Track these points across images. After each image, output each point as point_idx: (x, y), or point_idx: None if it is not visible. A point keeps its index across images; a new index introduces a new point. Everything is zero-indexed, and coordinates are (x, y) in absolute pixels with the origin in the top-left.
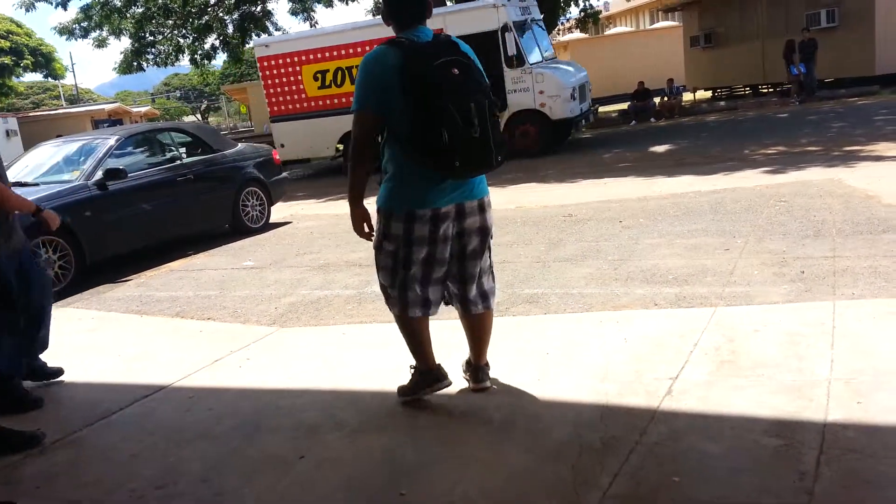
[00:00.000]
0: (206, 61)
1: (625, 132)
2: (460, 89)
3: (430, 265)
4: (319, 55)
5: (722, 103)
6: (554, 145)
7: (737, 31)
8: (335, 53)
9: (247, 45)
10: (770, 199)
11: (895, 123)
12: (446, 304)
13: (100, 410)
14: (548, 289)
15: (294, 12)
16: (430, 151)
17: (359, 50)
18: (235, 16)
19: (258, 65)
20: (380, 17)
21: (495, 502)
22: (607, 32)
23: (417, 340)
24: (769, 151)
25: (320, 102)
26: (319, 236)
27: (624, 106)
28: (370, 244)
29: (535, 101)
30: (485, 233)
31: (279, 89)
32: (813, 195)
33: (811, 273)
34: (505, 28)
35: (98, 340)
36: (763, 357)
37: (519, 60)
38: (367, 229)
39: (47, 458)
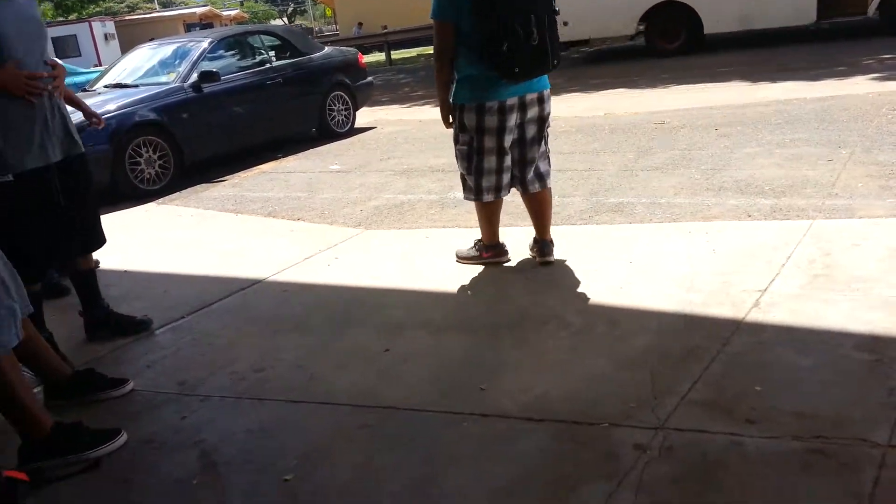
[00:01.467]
0: None
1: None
2: (520, 4)
3: (500, 152)
4: None
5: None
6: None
7: None
8: None
9: None
10: (882, 108)
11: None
12: (511, 187)
13: (201, 300)
14: (634, 198)
15: None
16: (495, 59)
17: None
18: None
19: None
20: None
21: (572, 402)
22: None
23: (489, 221)
24: (884, 56)
25: None
26: (403, 141)
27: None
28: (453, 150)
29: None
30: (543, 122)
31: None
32: None
33: None
34: None
35: (197, 236)
36: (860, 272)
37: None
38: (451, 120)
39: (155, 342)
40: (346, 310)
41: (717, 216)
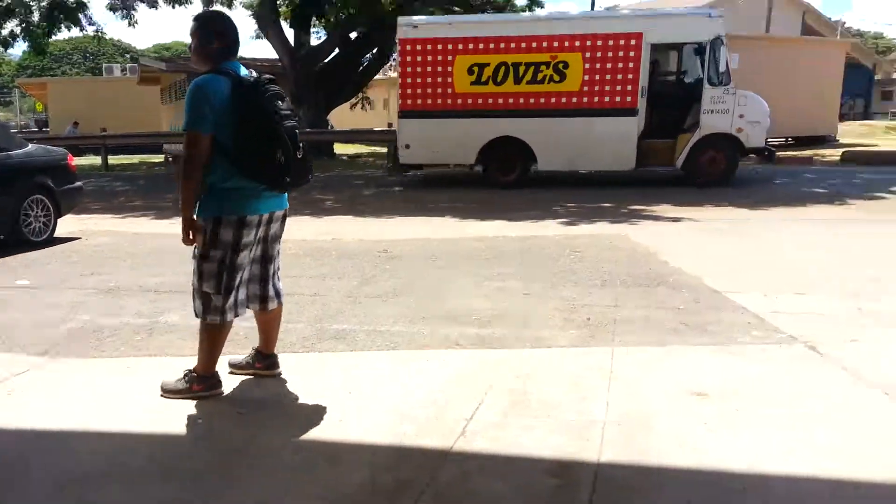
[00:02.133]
0: (1, 48)
1: (444, 174)
2: (287, 117)
3: (248, 269)
4: (482, 45)
5: None
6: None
7: None
8: (502, 46)
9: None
10: (567, 249)
11: (672, 186)
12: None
13: None
14: (356, 325)
15: (112, 8)
16: (265, 169)
17: (533, 45)
18: (44, 2)
19: (398, 47)
20: (566, 10)
21: None
22: None
23: (217, 347)
24: (569, 204)
25: (470, 101)
26: (112, 256)
27: None
28: (171, 268)
29: (731, 125)
30: (279, 238)
31: (419, 80)
32: (603, 247)
33: (595, 320)
34: (717, 41)
35: None
36: (550, 398)
37: (725, 78)
38: (192, 237)
39: None
40: (18, 461)
41: (431, 344)
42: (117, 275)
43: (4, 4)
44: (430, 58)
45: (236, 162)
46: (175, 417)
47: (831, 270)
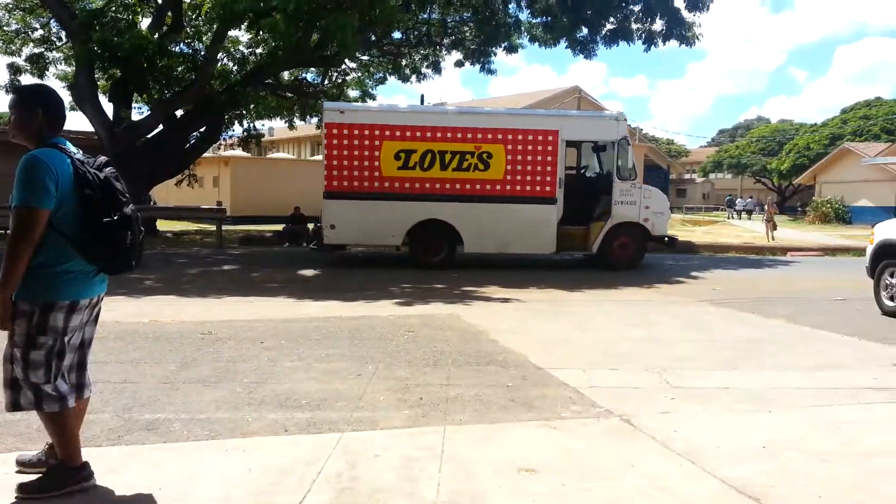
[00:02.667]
0: None
1: (278, 253)
2: (129, 199)
3: (75, 353)
4: (409, 133)
5: None
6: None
7: None
8: (428, 135)
9: None
10: (401, 329)
11: (508, 268)
12: None
13: None
14: (172, 413)
15: None
16: (114, 253)
17: (458, 136)
18: None
19: (324, 130)
20: (494, 106)
21: None
22: (269, 155)
23: (72, 433)
24: (405, 284)
25: (397, 185)
26: None
27: (279, 227)
28: None
29: (639, 216)
30: (96, 323)
31: (345, 162)
32: (435, 327)
33: (428, 399)
34: (623, 140)
35: None
36: (380, 483)
37: (631, 174)
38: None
39: None
40: None
41: (256, 431)
42: None
43: None
44: (356, 142)
45: (81, 245)
46: None
47: (640, 347)
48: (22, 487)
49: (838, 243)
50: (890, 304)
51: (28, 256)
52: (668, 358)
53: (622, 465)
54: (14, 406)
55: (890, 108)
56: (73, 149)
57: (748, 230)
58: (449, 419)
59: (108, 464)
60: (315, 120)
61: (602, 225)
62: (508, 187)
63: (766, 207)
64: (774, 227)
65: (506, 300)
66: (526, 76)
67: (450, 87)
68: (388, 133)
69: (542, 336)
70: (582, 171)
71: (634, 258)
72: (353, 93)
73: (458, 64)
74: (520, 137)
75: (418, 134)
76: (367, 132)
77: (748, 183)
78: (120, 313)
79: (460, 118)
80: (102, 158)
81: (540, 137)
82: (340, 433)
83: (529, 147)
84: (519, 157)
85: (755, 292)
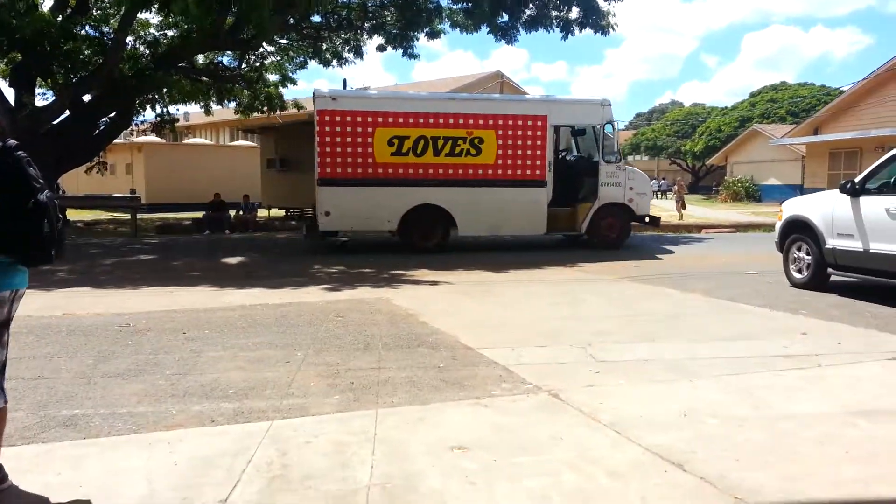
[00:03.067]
0: None
1: (197, 241)
2: (44, 186)
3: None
4: (401, 120)
5: (293, 222)
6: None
7: (308, 160)
8: (420, 121)
9: None
10: (330, 314)
11: (430, 255)
12: None
13: None
14: (91, 409)
15: None
16: (31, 243)
17: (450, 122)
18: None
19: (316, 117)
20: (487, 91)
21: None
22: (186, 141)
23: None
24: (332, 270)
25: (391, 171)
26: None
27: (198, 215)
28: None
29: (624, 196)
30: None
31: (338, 149)
32: (365, 311)
33: (359, 383)
34: (608, 125)
35: None
36: (312, 468)
37: (616, 156)
38: None
39: None
40: None
41: (181, 424)
42: None
43: None
44: (349, 129)
45: None
46: None
47: (565, 324)
48: None
49: (749, 220)
50: (798, 276)
51: None
52: (592, 333)
53: (551, 438)
54: None
55: (794, 91)
56: None
57: (663, 209)
58: (381, 402)
59: (23, 463)
60: (232, 105)
61: (589, 206)
62: (500, 171)
63: (675, 188)
64: (684, 206)
65: (434, 283)
66: (449, 61)
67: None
68: (380, 119)
69: (471, 317)
70: (569, 155)
71: (621, 237)
72: (272, 77)
73: (381, 48)
74: (510, 123)
75: (411, 120)
76: (359, 119)
77: (664, 164)
78: (31, 307)
79: (452, 104)
80: (12, 142)
81: (529, 122)
82: (270, 421)
83: (519, 132)
84: (509, 142)
85: (673, 268)
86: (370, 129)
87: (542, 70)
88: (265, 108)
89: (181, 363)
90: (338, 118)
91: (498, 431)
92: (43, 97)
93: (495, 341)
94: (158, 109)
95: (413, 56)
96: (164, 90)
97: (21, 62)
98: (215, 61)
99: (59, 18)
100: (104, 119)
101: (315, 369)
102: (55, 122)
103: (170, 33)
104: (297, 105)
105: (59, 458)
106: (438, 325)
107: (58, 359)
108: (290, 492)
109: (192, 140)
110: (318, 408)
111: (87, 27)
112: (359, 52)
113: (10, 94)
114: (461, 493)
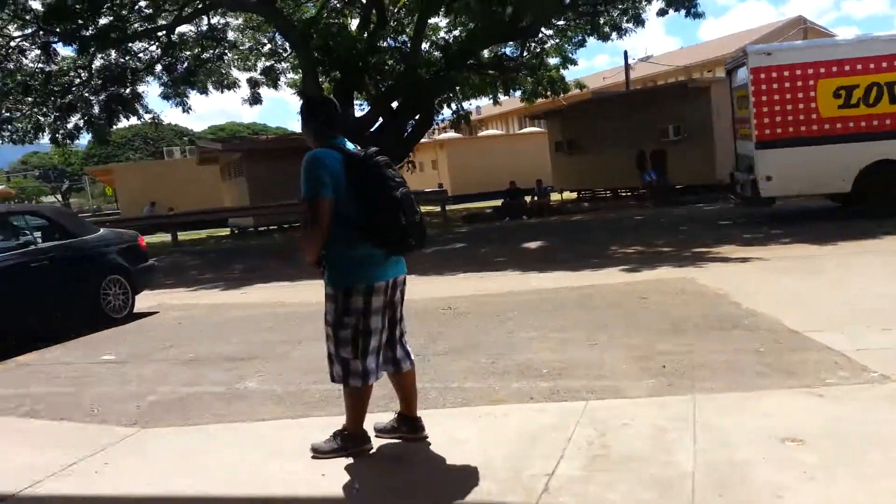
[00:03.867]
0: (68, 141)
1: (498, 227)
2: (401, 184)
3: (381, 333)
4: (847, 67)
5: (586, 204)
6: None
7: (596, 140)
8: (871, 66)
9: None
10: (632, 296)
11: (738, 227)
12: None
13: None
14: (427, 383)
15: (166, 97)
16: (391, 234)
17: None
18: (102, 97)
19: (750, 76)
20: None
21: None
22: (479, 134)
23: (363, 407)
24: (629, 251)
25: (839, 125)
26: (189, 328)
27: (497, 202)
28: (244, 336)
29: None
30: (403, 302)
31: (776, 108)
32: (670, 292)
33: (672, 367)
34: None
35: None
36: (632, 451)
37: None
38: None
39: None
40: None
41: (504, 399)
42: (194, 345)
43: (67, 101)
44: (787, 84)
45: (363, 231)
46: (256, 482)
47: None
48: (314, 448)
49: None
50: None
51: (320, 238)
52: None
53: None
54: (331, 377)
55: None
56: (350, 146)
57: None
58: (697, 387)
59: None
60: (518, 93)
61: None
62: None
63: None
64: None
65: (745, 259)
66: (739, 14)
67: (653, 40)
68: (822, 70)
69: (792, 296)
70: None
71: None
72: (552, 60)
73: (661, 12)
74: None
75: (859, 67)
76: (798, 72)
77: None
78: None
79: None
80: (373, 149)
81: None
82: (585, 401)
83: None
84: None
85: None
86: (811, 82)
87: (855, 6)
88: (548, 93)
89: (498, 344)
90: (774, 74)
91: (837, 423)
92: (360, 108)
93: (823, 323)
94: (454, 107)
95: (697, 15)
96: (458, 88)
97: (340, 79)
98: (499, 54)
99: (365, 35)
100: (410, 122)
101: (623, 352)
102: (371, 130)
103: (455, 33)
104: (580, 85)
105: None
106: (754, 306)
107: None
108: (613, 472)
109: (484, 132)
110: (632, 391)
111: (387, 39)
112: (639, 21)
113: None
114: (799, 487)
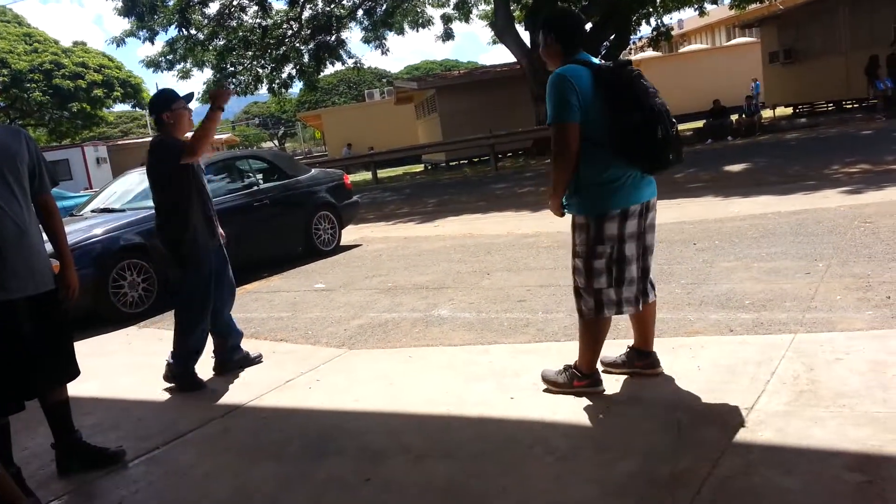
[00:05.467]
0: (283, 90)
1: (700, 151)
2: (655, 94)
3: (637, 260)
4: None
5: (803, 120)
6: None
7: (818, 46)
8: None
9: (322, 73)
10: (854, 220)
11: None
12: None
13: (177, 429)
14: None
15: (366, 40)
16: (649, 148)
17: None
18: (311, 46)
19: None
20: None
21: None
22: (682, 50)
23: (600, 344)
24: (852, 170)
25: None
26: (388, 259)
27: (700, 124)
28: (437, 267)
29: None
30: (653, 228)
31: None
32: None
33: None
34: None
35: None
36: (845, 387)
37: None
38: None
39: (127, 475)
40: (324, 436)
41: (700, 331)
42: (393, 275)
43: (281, 53)
44: None
45: (617, 147)
46: (451, 402)
47: None
48: (543, 376)
49: None
50: None
51: (570, 168)
52: None
53: None
54: (579, 313)
55: None
56: (595, 61)
57: None
58: None
59: (573, 355)
60: (727, 0)
61: None
62: None
63: None
64: None
65: None
66: None
67: None
68: None
69: None
70: None
71: None
72: None
73: None
74: None
75: None
76: None
77: None
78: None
79: None
80: (623, 60)
81: None
82: (792, 334)
83: None
84: None
85: None
86: None
87: None
88: None
89: (694, 273)
90: None
91: None
92: None
93: None
94: (654, 23)
95: None
96: (658, 1)
97: (532, 5)
98: None
99: None
100: (604, 43)
101: (840, 281)
102: None
103: None
104: None
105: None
106: None
107: None
108: (821, 408)
109: (687, 48)
110: (847, 323)
111: None
112: None
113: (525, 37)
114: None
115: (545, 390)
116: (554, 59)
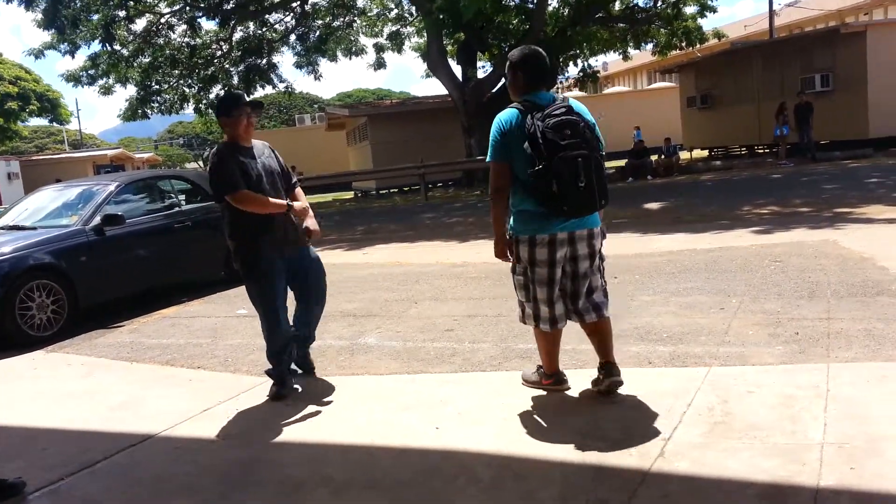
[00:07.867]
0: (210, 110)
1: (621, 188)
2: (569, 147)
3: (551, 283)
4: None
5: (718, 163)
6: None
7: (732, 93)
8: None
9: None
10: (765, 259)
11: (887, 186)
12: (568, 318)
13: (84, 459)
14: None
15: (299, 65)
16: (545, 196)
17: None
18: (241, 68)
19: None
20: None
21: None
22: (605, 91)
23: (548, 350)
24: (763, 211)
25: None
26: None
27: (621, 163)
28: (364, 294)
29: None
30: (593, 257)
31: None
32: (807, 255)
33: (805, 335)
34: None
35: (86, 387)
36: (756, 419)
37: None
38: (507, 255)
39: None
40: (243, 468)
41: (620, 363)
42: None
43: (209, 73)
44: None
45: (527, 188)
46: (376, 431)
47: None
48: (523, 376)
49: None
50: None
51: (500, 199)
52: None
53: None
54: (520, 319)
55: None
56: (546, 100)
57: None
58: (832, 356)
59: (494, 388)
60: (649, 46)
61: None
62: None
63: None
64: None
65: (893, 220)
66: None
67: None
68: None
69: None
70: None
71: None
72: (689, 9)
73: None
74: None
75: None
76: None
77: None
78: (487, 254)
79: None
80: (560, 106)
81: None
82: (707, 367)
83: None
84: None
85: None
86: None
87: None
88: (683, 44)
89: (615, 306)
90: None
91: None
92: (483, 70)
93: None
94: (580, 64)
95: None
96: (585, 44)
97: (464, 41)
98: (630, 5)
99: None
100: None
101: (752, 317)
102: (494, 91)
103: None
104: (718, 34)
105: (518, 384)
106: None
107: (511, 300)
108: (734, 439)
109: (610, 89)
110: (759, 358)
111: None
112: None
113: (457, 71)
114: None
115: (523, 384)
116: (514, 93)
